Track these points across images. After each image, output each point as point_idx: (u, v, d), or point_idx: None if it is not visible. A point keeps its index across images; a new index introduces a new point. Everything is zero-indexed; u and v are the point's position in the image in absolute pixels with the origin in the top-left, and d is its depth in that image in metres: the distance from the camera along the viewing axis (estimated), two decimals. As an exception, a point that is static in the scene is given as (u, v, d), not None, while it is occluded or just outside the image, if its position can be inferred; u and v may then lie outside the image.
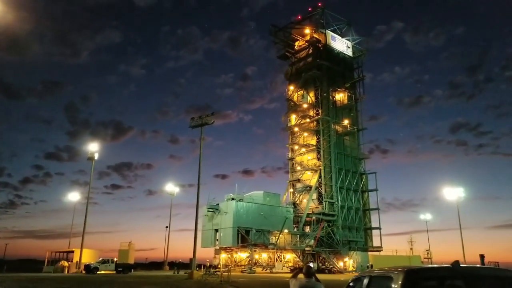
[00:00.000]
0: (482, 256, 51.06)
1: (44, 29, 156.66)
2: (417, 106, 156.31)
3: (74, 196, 64.07)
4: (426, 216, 74.89)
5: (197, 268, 48.27)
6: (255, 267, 51.38)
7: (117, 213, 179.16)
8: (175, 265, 51.92)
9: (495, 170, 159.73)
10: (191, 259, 39.82)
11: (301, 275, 6.45)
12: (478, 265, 4.77)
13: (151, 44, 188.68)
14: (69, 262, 51.87)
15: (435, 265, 4.59)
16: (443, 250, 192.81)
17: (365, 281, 4.77)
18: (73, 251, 54.77)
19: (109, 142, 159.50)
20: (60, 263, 52.14)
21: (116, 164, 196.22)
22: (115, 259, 55.40)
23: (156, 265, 76.68)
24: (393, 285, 3.78)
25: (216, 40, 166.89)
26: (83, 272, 44.02)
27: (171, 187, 64.30)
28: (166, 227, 63.73)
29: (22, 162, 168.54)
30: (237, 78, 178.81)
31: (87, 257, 53.33)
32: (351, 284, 5.33)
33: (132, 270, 48.07)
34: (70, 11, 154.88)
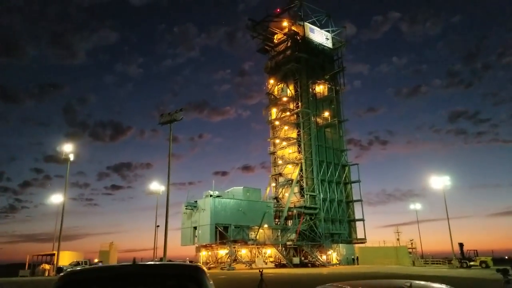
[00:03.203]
0: (461, 245, 50.99)
1: (40, 31, 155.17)
2: (415, 96, 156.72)
3: (57, 198, 63.36)
4: (416, 206, 74.26)
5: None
6: (235, 263, 50.95)
7: (118, 214, 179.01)
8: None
9: (495, 157, 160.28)
10: (161, 258, 39.30)
11: None
12: (158, 263, 4.12)
13: (148, 42, 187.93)
14: (50, 265, 51.21)
15: (114, 264, 4.00)
16: (438, 240, 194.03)
17: None
18: (54, 254, 54.12)
19: (108, 142, 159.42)
20: (41, 266, 51.49)
21: (116, 165, 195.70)
22: (96, 260, 54.96)
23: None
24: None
25: (212, 37, 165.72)
26: (57, 274, 43.38)
27: (156, 186, 63.61)
28: (158, 226, 63.26)
29: (21, 166, 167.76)
30: (235, 74, 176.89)
31: (69, 259, 52.66)
32: None
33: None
34: (66, 12, 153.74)
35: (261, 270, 23.84)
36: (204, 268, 3.63)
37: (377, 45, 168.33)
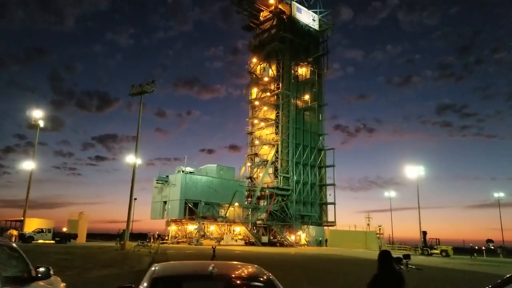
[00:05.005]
0: (424, 233, 52.16)
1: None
2: (405, 86, 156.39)
3: (28, 165, 62.02)
4: (390, 193, 75.39)
5: (147, 240, 47.65)
6: (203, 239, 51.09)
7: (101, 185, 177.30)
8: (118, 236, 50.93)
9: (478, 151, 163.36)
10: (124, 230, 39.07)
11: None
12: None
13: (140, 13, 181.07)
14: (18, 231, 50.47)
15: None
16: (412, 227, 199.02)
17: None
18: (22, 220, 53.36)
19: (94, 113, 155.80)
20: (9, 231, 50.69)
21: (101, 136, 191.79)
22: (64, 229, 54.34)
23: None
24: None
25: (206, 11, 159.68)
26: (19, 241, 42.76)
27: (132, 159, 62.68)
28: (135, 199, 62.69)
29: (4, 131, 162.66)
30: (227, 52, 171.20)
31: (37, 226, 51.94)
32: None
33: (72, 240, 46.75)
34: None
35: (214, 246, 23.84)
36: None
37: (373, 32, 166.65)
